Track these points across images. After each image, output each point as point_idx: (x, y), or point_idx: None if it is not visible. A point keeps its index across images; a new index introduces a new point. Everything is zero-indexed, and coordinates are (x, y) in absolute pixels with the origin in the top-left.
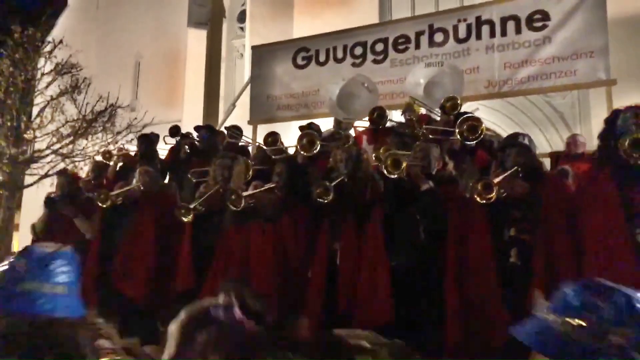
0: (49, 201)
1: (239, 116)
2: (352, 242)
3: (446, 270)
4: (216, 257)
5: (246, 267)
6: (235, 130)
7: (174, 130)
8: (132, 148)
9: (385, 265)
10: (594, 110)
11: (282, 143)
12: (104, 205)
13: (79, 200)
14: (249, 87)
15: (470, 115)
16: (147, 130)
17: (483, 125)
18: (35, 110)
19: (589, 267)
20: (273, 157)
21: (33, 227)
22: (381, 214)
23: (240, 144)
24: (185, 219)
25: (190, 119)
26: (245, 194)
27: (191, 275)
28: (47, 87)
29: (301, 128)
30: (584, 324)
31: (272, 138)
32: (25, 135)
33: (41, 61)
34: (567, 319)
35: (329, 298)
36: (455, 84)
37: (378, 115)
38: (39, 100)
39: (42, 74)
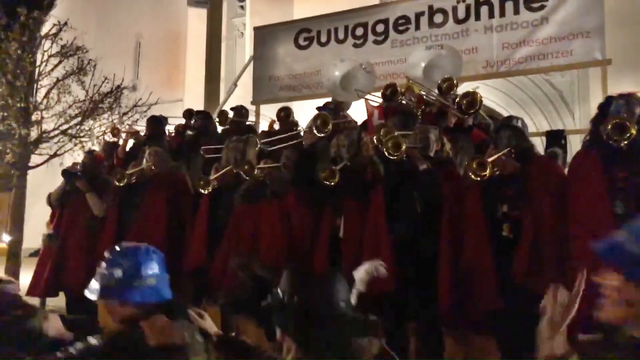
0: (65, 173)
1: (241, 96)
2: (355, 217)
3: (440, 241)
4: (227, 235)
5: (256, 243)
6: (242, 110)
7: (188, 113)
8: (138, 128)
9: (385, 237)
10: (593, 88)
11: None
12: (121, 184)
13: (95, 178)
14: (250, 67)
15: (469, 90)
16: (152, 111)
17: (480, 98)
18: (41, 92)
19: (573, 237)
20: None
21: (49, 196)
22: (382, 192)
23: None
24: (204, 191)
25: (192, 99)
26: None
27: (203, 252)
28: (53, 69)
29: (318, 109)
30: None
31: (285, 112)
32: (33, 117)
33: (47, 44)
34: None
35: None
36: (453, 66)
37: (391, 92)
38: (45, 82)
39: (49, 56)
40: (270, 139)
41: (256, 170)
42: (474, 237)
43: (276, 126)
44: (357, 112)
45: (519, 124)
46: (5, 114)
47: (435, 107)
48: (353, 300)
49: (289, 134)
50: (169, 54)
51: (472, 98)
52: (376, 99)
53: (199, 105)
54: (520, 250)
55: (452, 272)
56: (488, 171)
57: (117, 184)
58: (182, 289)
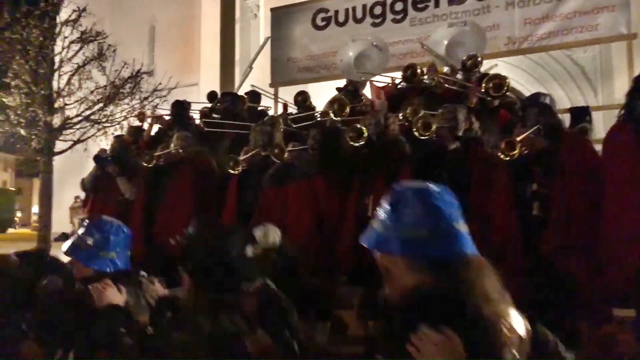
0: (96, 158)
1: (257, 79)
2: (383, 196)
3: (468, 221)
4: (255, 216)
5: (284, 223)
6: (254, 96)
7: (212, 96)
8: (159, 112)
9: None
10: (617, 63)
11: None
12: (149, 165)
13: (124, 163)
14: (265, 49)
15: (495, 73)
16: (170, 95)
17: (508, 82)
18: (64, 79)
19: (609, 213)
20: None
21: (82, 181)
22: (410, 171)
23: (259, 108)
24: (233, 172)
25: (207, 82)
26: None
27: None
28: (74, 55)
29: (338, 89)
30: None
31: (302, 97)
32: (56, 104)
33: (67, 30)
34: None
35: (360, 250)
36: (477, 43)
37: (411, 73)
38: (67, 69)
39: (70, 42)
40: (293, 119)
41: (286, 153)
42: (503, 216)
43: (290, 110)
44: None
45: (547, 100)
46: (29, 101)
47: (458, 85)
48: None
49: (309, 115)
50: (183, 38)
51: (499, 82)
52: (383, 80)
53: (215, 88)
54: (550, 227)
55: (481, 253)
56: (517, 150)
57: (145, 165)
58: None
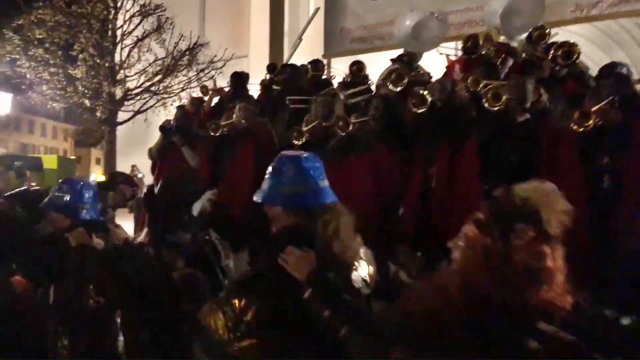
0: (162, 129)
1: (306, 50)
2: (447, 166)
3: None
4: None
5: (346, 196)
6: (317, 65)
7: (272, 68)
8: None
9: (478, 189)
10: None
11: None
12: (216, 134)
13: (188, 132)
14: (314, 20)
15: (564, 40)
16: (224, 67)
17: (578, 49)
18: (125, 52)
19: None
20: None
21: (150, 150)
22: (476, 142)
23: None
24: (297, 142)
25: (257, 54)
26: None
27: None
28: (135, 28)
29: (393, 60)
30: None
31: (357, 66)
32: (119, 76)
33: (128, 3)
34: None
35: (423, 221)
36: (534, 10)
37: (472, 44)
38: (128, 42)
39: (131, 16)
40: (352, 92)
41: (351, 125)
42: (572, 188)
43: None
44: (428, 64)
45: (624, 70)
46: (94, 73)
47: (521, 56)
48: None
49: (366, 86)
50: (233, 10)
51: (569, 49)
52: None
53: (264, 60)
54: (621, 201)
55: None
56: (592, 122)
57: (211, 134)
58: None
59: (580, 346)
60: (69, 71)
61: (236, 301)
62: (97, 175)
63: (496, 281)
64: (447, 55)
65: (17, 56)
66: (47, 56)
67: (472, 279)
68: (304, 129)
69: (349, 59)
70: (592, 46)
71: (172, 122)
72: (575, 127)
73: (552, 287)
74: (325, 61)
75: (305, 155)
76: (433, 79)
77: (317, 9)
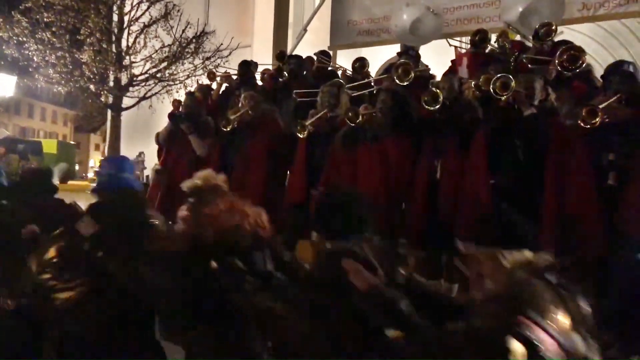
0: (171, 116)
1: (310, 42)
2: (454, 160)
3: (545, 188)
4: (325, 174)
5: (354, 184)
6: (324, 56)
7: (281, 56)
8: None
9: (486, 183)
10: None
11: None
12: (227, 129)
13: (196, 120)
14: (319, 12)
15: (570, 44)
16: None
17: (584, 55)
18: (132, 38)
19: None
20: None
21: (157, 135)
22: (483, 136)
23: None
24: (300, 135)
25: (261, 44)
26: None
27: (303, 189)
28: (142, 14)
29: (399, 54)
30: None
31: (360, 63)
32: (124, 62)
33: None
34: None
35: (430, 212)
36: (553, 11)
37: (480, 39)
38: (134, 28)
39: (140, 2)
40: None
41: (360, 116)
42: (579, 184)
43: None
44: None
45: (631, 68)
46: (100, 57)
47: (530, 56)
48: None
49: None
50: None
51: (575, 54)
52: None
53: (268, 51)
54: (626, 199)
55: (557, 220)
56: (599, 119)
57: (223, 129)
58: (284, 223)
59: None
60: (75, 55)
61: None
62: (96, 160)
63: None
64: (456, 47)
65: (25, 39)
66: (54, 40)
67: None
68: (308, 122)
69: (353, 53)
70: (598, 47)
71: (181, 108)
72: (582, 124)
73: None
74: (331, 53)
75: (118, 156)
76: (431, 72)
77: (322, 0)
